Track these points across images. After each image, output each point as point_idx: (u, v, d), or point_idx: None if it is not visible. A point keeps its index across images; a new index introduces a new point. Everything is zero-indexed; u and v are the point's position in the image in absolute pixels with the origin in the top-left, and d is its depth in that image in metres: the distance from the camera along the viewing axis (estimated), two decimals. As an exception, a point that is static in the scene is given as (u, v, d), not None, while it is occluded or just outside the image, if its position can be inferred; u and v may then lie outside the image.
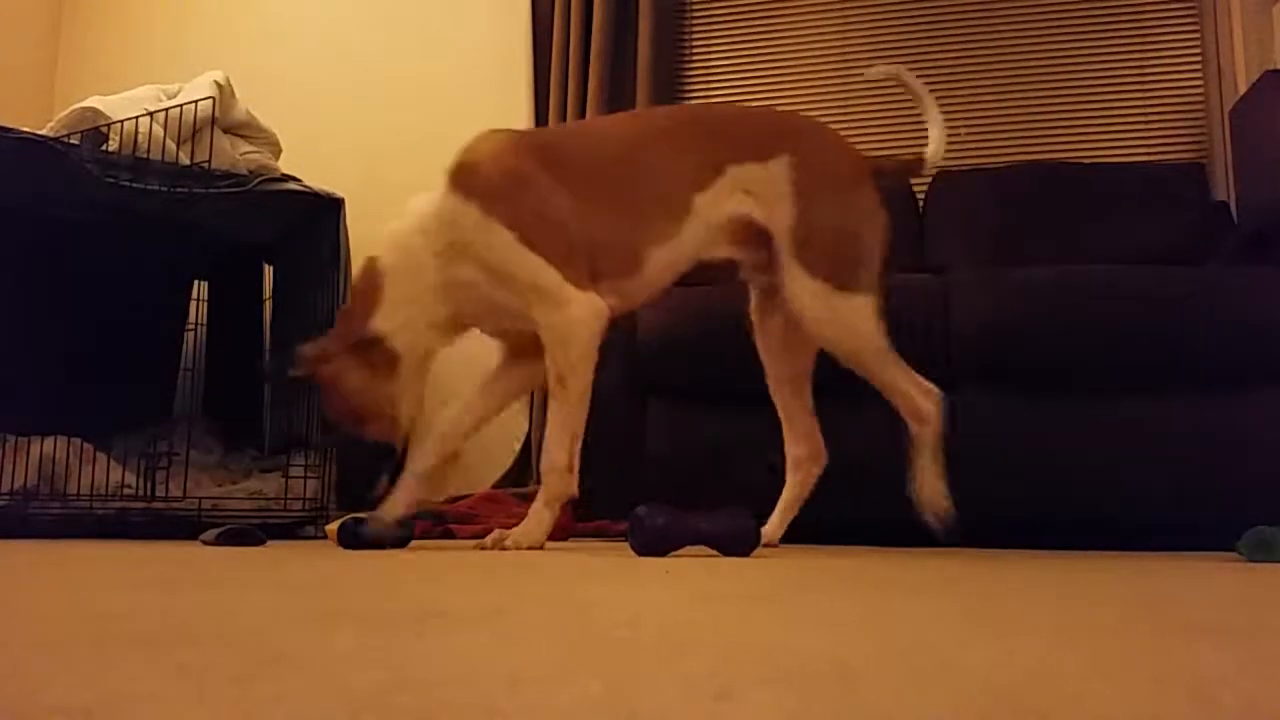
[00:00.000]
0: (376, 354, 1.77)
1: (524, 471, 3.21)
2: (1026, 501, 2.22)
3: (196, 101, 2.65)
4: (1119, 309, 2.22)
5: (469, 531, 2.51)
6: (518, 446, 3.23)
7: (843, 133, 3.34)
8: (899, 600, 0.83)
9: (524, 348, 1.89)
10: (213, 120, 2.70)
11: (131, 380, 2.62)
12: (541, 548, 1.72)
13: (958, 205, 3.00)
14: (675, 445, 2.41)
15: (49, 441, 2.38)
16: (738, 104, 2.67)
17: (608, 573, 1.14)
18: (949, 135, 1.99)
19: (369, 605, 0.73)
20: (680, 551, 1.61)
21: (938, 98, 2.04)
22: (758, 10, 3.53)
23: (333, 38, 3.72)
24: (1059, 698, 0.40)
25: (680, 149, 1.86)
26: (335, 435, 1.85)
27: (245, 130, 2.86)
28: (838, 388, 2.33)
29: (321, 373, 1.78)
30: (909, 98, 2.04)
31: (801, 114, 2.49)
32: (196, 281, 3.15)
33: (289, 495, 2.62)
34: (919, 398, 1.86)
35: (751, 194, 1.83)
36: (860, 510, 2.33)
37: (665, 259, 1.85)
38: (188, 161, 2.61)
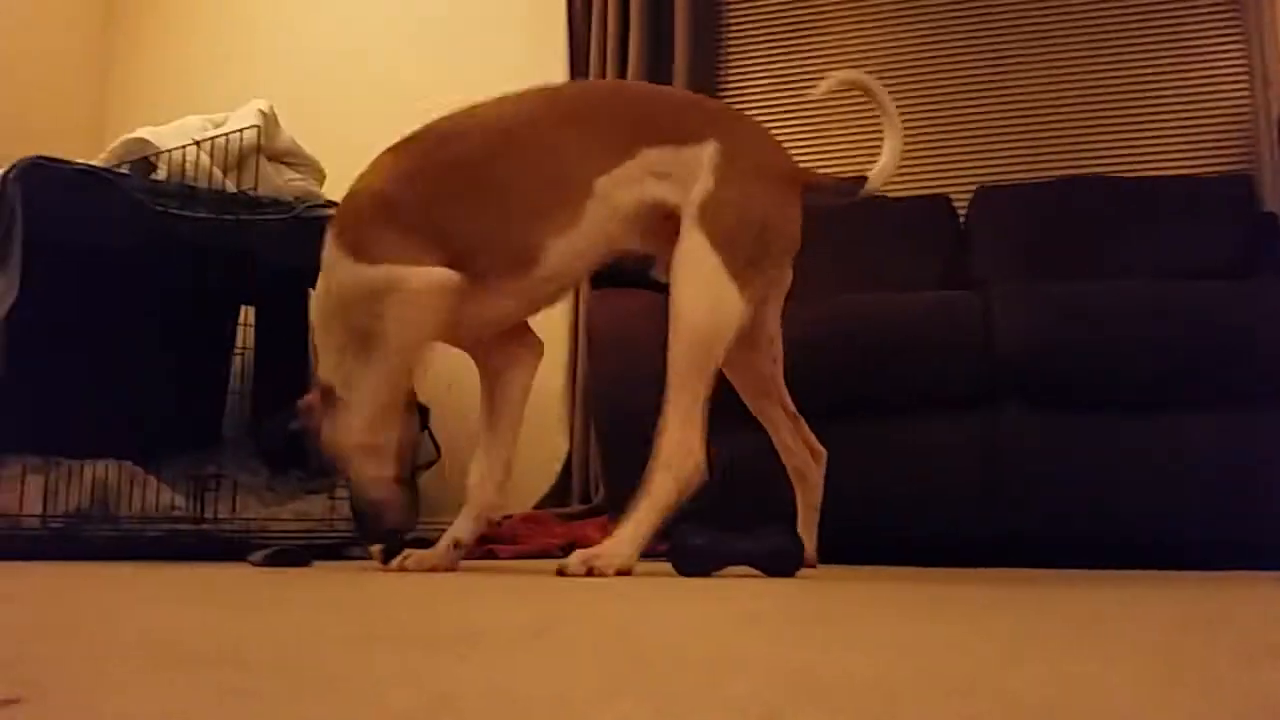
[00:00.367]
0: (335, 401, 1.74)
1: (565, 492, 3.21)
2: (1069, 519, 2.18)
3: (242, 130, 2.71)
4: (1164, 324, 2.18)
5: (510, 552, 2.52)
6: (559, 467, 3.24)
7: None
8: (943, 622, 0.82)
9: (492, 360, 1.85)
10: (258, 148, 2.76)
11: (180, 404, 2.67)
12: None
13: (999, 219, 2.97)
14: (715, 463, 2.41)
15: (101, 466, 2.43)
16: (660, 85, 2.47)
17: (650, 593, 1.14)
18: (902, 157, 1.86)
19: (413, 626, 0.73)
20: (723, 572, 1.61)
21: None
22: (795, 23, 3.53)
23: (374, 67, 3.78)
24: (1109, 721, 0.40)
25: (585, 130, 1.72)
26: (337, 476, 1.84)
27: (290, 158, 2.91)
28: (880, 406, 2.32)
29: (307, 425, 1.76)
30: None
31: (736, 109, 2.31)
32: (243, 307, 3.21)
33: (335, 516, 2.65)
34: (686, 443, 1.58)
35: (667, 178, 1.69)
36: (901, 530, 2.30)
37: (566, 250, 1.70)
38: (234, 189, 2.66)
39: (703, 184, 1.66)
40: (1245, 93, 3.13)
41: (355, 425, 1.71)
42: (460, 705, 0.41)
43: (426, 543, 1.81)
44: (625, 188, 1.70)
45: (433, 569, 1.72)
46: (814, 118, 3.44)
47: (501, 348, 1.85)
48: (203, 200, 2.56)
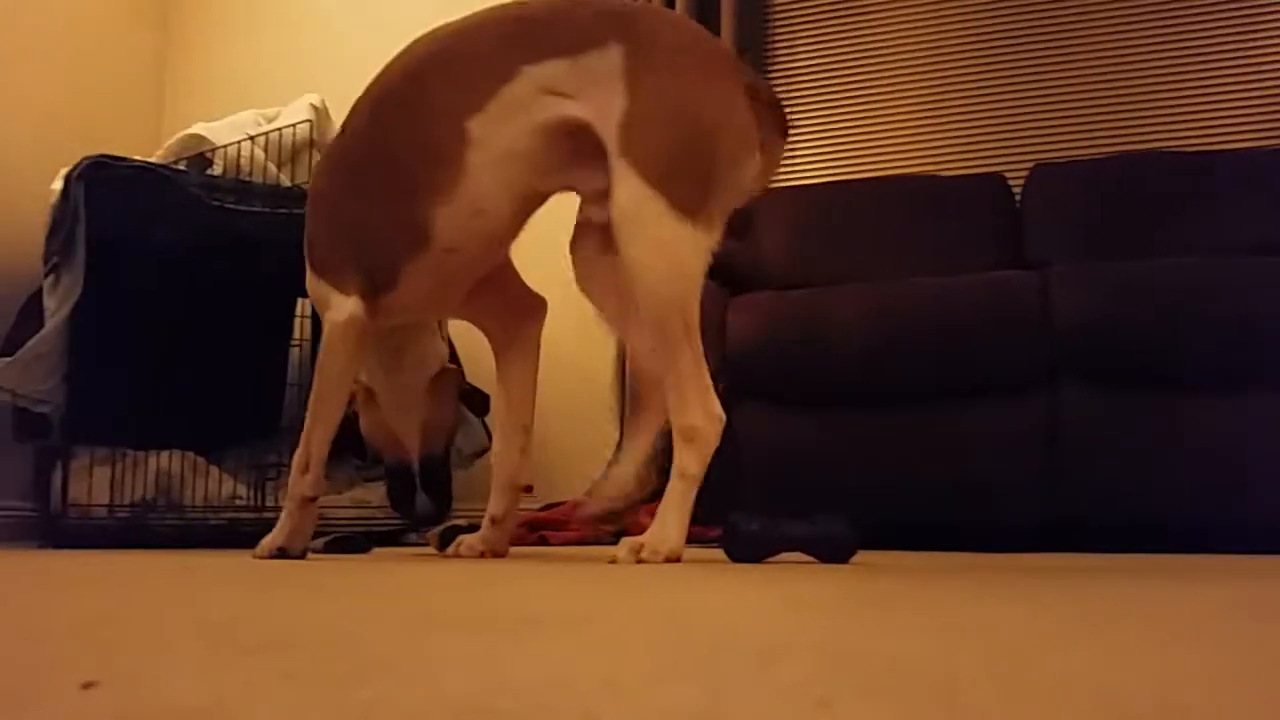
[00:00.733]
0: (366, 393, 1.81)
1: (617, 479, 3.22)
2: (1129, 502, 2.14)
3: (295, 125, 2.74)
4: (1227, 302, 2.13)
5: (561, 539, 2.54)
6: (609, 454, 3.25)
7: (934, 138, 3.31)
8: (1000, 606, 0.81)
9: (493, 331, 1.81)
10: (310, 142, 2.79)
11: (241, 395, 2.72)
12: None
13: (1057, 197, 2.91)
14: (769, 449, 2.40)
15: (165, 456, 2.49)
16: None
17: (702, 579, 1.13)
18: None
19: (467, 610, 0.74)
20: (775, 558, 1.60)
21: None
22: (843, 5, 3.48)
23: (423, 57, 3.80)
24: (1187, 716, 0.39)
25: (454, 69, 1.51)
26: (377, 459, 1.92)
27: (341, 151, 2.94)
28: (937, 390, 2.29)
29: (356, 410, 1.84)
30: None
31: None
32: (300, 299, 3.25)
33: (391, 504, 2.68)
34: (698, 411, 1.41)
35: (570, 97, 1.44)
36: (958, 516, 2.28)
37: (458, 213, 1.51)
38: (288, 183, 2.70)
39: (617, 100, 1.41)
40: (1313, 61, 3.03)
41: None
42: (516, 689, 0.41)
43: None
44: (510, 120, 1.47)
45: (483, 554, 1.74)
46: (864, 104, 3.40)
47: (497, 317, 1.78)
48: (258, 194, 2.60)
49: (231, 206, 2.58)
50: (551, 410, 3.13)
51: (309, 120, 2.79)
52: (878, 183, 3.11)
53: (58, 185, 2.49)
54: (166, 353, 2.46)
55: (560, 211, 1.70)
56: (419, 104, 1.53)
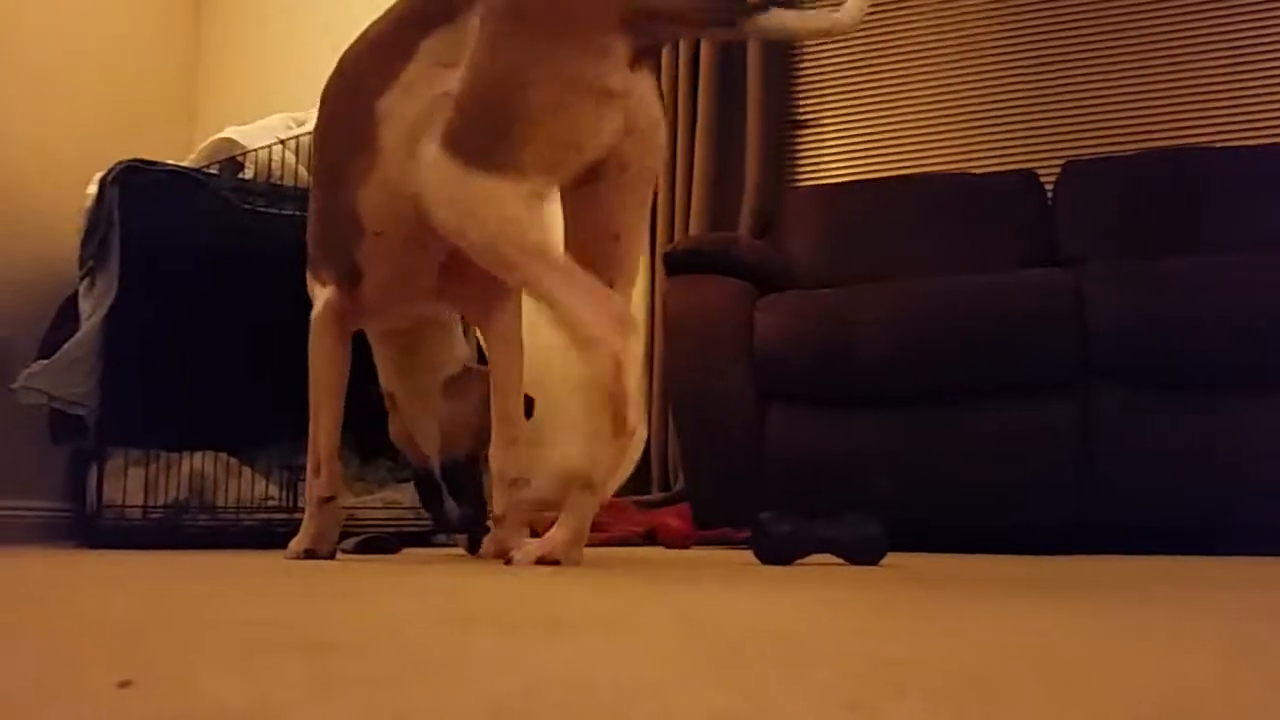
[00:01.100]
0: (391, 397, 1.86)
1: (644, 480, 3.22)
2: (1166, 503, 2.11)
3: (325, 128, 2.76)
4: (1264, 300, 2.09)
5: (591, 540, 2.54)
6: (638, 456, 3.25)
7: (965, 135, 3.28)
8: (1034, 608, 0.80)
9: (476, 318, 1.79)
10: (340, 145, 2.81)
11: (272, 397, 2.75)
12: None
13: (1089, 194, 2.88)
14: (797, 450, 2.39)
15: (198, 457, 2.52)
16: None
17: (733, 581, 1.13)
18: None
19: (500, 612, 0.74)
20: (806, 559, 1.59)
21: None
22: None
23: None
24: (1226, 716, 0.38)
25: (375, 52, 1.53)
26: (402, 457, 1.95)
27: (371, 153, 2.96)
28: (971, 390, 2.27)
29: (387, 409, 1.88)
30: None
31: None
32: (329, 301, 3.27)
33: (421, 505, 2.70)
34: (593, 320, 1.28)
35: (448, 65, 1.40)
36: (993, 517, 2.26)
37: (377, 193, 1.51)
38: (318, 186, 2.72)
39: (463, 67, 1.38)
40: (1352, 55, 2.98)
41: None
42: (553, 690, 0.41)
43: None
44: (413, 97, 1.44)
45: (499, 552, 1.73)
46: (894, 102, 3.38)
47: (473, 302, 1.73)
48: (289, 197, 2.62)
49: (263, 210, 2.60)
50: (552, 410, 3.13)
51: (339, 124, 2.81)
52: (907, 181, 3.09)
53: (92, 190, 2.53)
54: (199, 355, 2.49)
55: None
56: (348, 92, 1.58)
